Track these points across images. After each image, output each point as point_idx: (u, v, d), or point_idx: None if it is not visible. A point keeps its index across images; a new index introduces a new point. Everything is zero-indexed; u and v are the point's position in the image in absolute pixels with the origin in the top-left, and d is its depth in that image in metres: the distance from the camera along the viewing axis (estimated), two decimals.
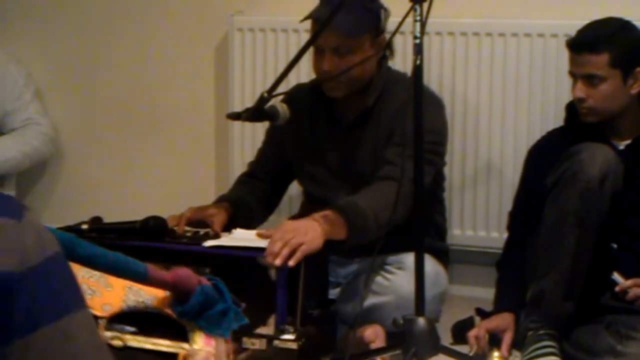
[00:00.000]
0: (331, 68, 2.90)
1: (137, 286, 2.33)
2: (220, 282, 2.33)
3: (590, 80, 2.83)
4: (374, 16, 2.92)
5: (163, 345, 2.35)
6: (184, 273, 2.26)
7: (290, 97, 2.96)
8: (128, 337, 2.33)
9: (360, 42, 2.90)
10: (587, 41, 2.84)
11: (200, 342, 2.30)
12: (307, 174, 3.12)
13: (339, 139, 3.04)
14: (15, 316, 1.06)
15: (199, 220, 2.90)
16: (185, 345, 2.31)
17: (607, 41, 2.82)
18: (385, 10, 2.96)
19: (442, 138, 3.00)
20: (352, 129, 3.02)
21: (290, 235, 2.55)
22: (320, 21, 2.86)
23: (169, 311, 2.33)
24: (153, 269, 2.19)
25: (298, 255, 2.53)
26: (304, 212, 3.04)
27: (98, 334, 1.17)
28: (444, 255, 3.13)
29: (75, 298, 1.13)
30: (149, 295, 2.35)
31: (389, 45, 3.00)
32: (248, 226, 2.91)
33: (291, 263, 2.52)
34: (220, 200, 3.07)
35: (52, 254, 1.11)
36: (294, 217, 2.99)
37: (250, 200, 3.09)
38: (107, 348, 1.18)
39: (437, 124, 2.94)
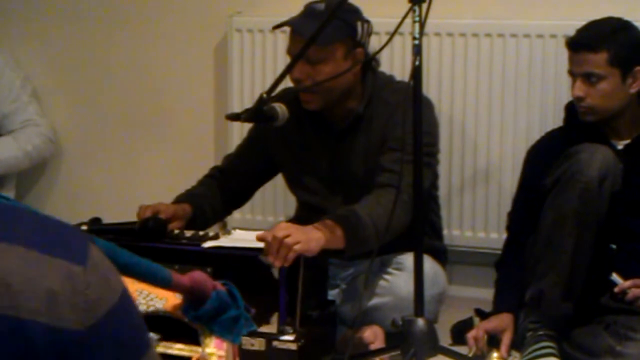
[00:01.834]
0: (301, 76, 2.88)
1: (147, 290, 2.33)
2: (234, 288, 2.33)
3: (589, 78, 2.84)
4: (348, 26, 2.89)
5: (176, 349, 2.35)
6: (200, 277, 2.26)
7: (278, 102, 2.92)
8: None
9: (330, 52, 2.87)
10: (586, 40, 2.84)
11: (212, 346, 2.30)
12: (298, 183, 3.11)
13: (329, 146, 3.03)
14: None
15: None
16: (198, 349, 2.31)
17: (606, 40, 2.82)
18: (366, 22, 2.93)
19: (435, 138, 3.00)
20: (342, 137, 3.01)
21: (285, 233, 2.55)
22: (294, 27, 2.88)
23: (179, 315, 2.33)
24: (175, 275, 2.19)
25: (291, 255, 2.52)
26: (298, 218, 3.04)
27: None
28: (441, 255, 3.13)
29: (139, 342, 1.04)
30: (160, 300, 2.35)
31: (374, 57, 2.99)
32: (200, 228, 2.91)
33: (285, 264, 2.52)
34: (183, 199, 3.04)
35: (117, 299, 1.01)
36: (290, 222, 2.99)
37: (209, 204, 3.07)
38: None
39: (430, 124, 2.93)
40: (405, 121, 2.65)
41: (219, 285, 2.29)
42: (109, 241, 2.57)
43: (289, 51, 2.93)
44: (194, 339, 2.31)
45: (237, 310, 2.30)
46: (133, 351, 1.02)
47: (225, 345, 2.29)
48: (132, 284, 2.22)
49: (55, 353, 0.95)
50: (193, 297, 2.27)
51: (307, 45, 2.68)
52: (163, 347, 2.35)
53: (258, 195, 3.43)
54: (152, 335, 2.34)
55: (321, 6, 2.87)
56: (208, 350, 2.29)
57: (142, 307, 2.35)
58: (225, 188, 3.13)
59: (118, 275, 1.03)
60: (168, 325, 2.36)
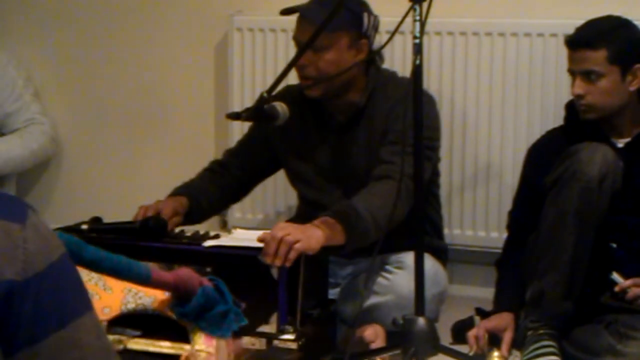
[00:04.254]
0: (304, 62, 2.88)
1: (136, 288, 2.33)
2: (221, 283, 2.33)
3: (589, 76, 2.83)
4: (355, 17, 2.91)
5: (164, 347, 2.35)
6: (185, 274, 2.25)
7: (280, 99, 2.92)
8: (129, 339, 2.33)
9: (335, 39, 2.88)
10: (585, 38, 2.84)
11: (201, 343, 2.30)
12: (300, 177, 3.11)
13: (331, 140, 3.03)
14: (20, 326, 1.03)
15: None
16: (187, 347, 2.31)
17: (605, 37, 2.82)
18: (373, 15, 2.95)
19: (436, 133, 3.00)
20: (344, 130, 3.01)
21: (284, 232, 2.54)
22: (303, 14, 2.89)
23: (169, 313, 2.33)
24: (156, 271, 2.19)
25: (292, 254, 2.52)
26: (300, 215, 3.04)
27: (105, 336, 1.15)
28: (442, 254, 3.13)
29: (80, 301, 1.11)
30: (148, 297, 2.35)
31: (378, 53, 2.99)
32: (197, 220, 2.96)
33: (286, 264, 2.51)
34: (180, 191, 3.04)
35: (57, 257, 1.08)
36: (291, 221, 2.99)
37: (206, 197, 3.06)
38: (114, 350, 1.16)
39: (431, 119, 2.93)
40: (406, 115, 2.65)
41: (205, 281, 2.28)
42: (109, 241, 2.59)
43: (296, 37, 2.94)
44: (183, 337, 2.31)
45: (226, 305, 2.30)
46: (70, 310, 1.08)
47: (214, 342, 2.29)
48: (120, 282, 2.22)
49: None
50: (179, 294, 2.27)
51: (315, 35, 2.69)
52: (150, 345, 2.35)
53: (259, 194, 3.43)
54: (129, 331, 2.35)
55: None
56: (197, 347, 2.29)
57: (131, 305, 2.34)
58: (224, 182, 3.12)
59: (59, 240, 1.10)
60: (157, 323, 2.36)
